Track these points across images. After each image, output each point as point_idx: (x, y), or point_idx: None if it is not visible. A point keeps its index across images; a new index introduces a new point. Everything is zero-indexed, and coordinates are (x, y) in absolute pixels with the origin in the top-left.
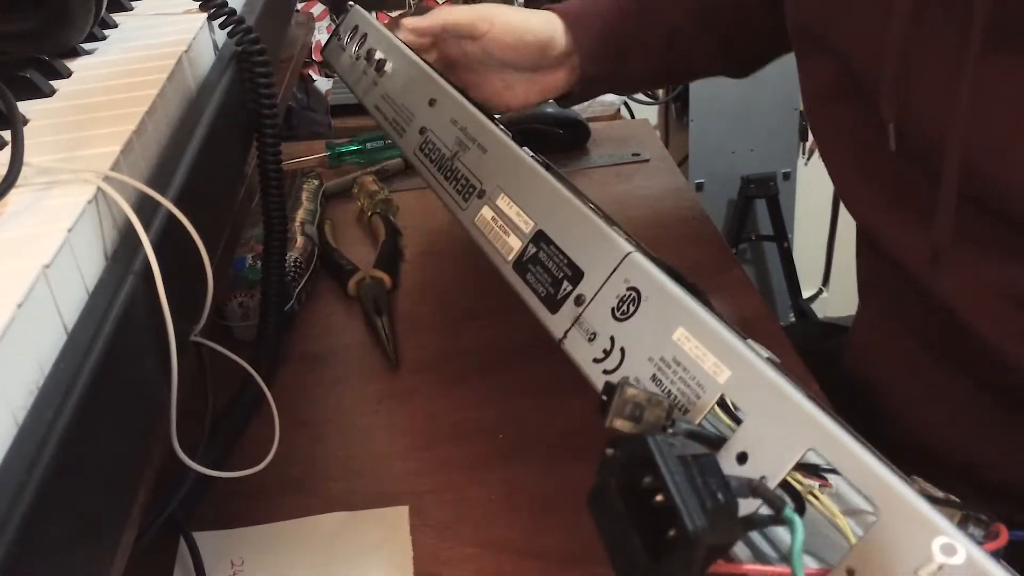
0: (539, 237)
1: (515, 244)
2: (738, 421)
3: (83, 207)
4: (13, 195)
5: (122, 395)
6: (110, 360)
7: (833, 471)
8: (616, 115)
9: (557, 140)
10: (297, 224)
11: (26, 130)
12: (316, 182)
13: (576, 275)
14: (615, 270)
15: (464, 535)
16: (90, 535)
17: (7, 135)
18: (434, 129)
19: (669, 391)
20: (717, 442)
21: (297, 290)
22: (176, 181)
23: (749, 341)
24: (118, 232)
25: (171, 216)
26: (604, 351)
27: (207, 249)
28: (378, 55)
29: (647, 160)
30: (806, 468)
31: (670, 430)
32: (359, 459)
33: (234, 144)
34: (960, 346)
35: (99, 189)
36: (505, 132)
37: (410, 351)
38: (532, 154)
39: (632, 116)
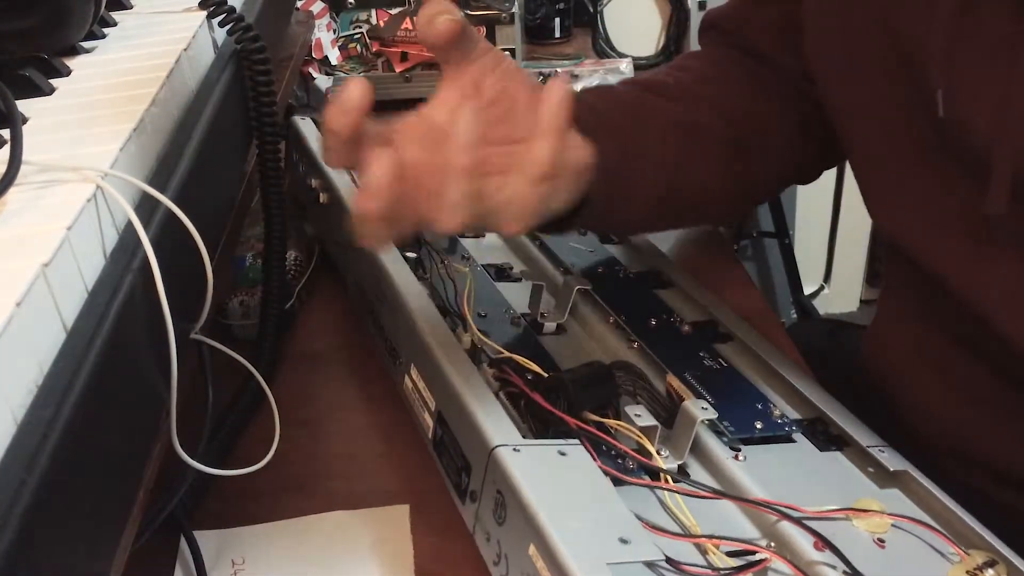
0: (440, 419)
1: (429, 423)
2: None
3: (82, 205)
4: (12, 193)
5: (122, 394)
6: (110, 359)
7: None
8: None
9: None
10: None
11: (25, 129)
12: None
13: (467, 467)
14: (487, 467)
15: (465, 534)
16: (90, 534)
17: (6, 134)
18: (358, 275)
19: None
20: None
21: (298, 288)
22: (176, 179)
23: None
24: (117, 230)
25: (171, 214)
26: (497, 555)
27: (207, 247)
28: (313, 182)
29: None
30: None
31: None
32: (360, 458)
33: (234, 142)
34: (990, 345)
35: (98, 187)
36: (409, 283)
37: None
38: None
39: None
